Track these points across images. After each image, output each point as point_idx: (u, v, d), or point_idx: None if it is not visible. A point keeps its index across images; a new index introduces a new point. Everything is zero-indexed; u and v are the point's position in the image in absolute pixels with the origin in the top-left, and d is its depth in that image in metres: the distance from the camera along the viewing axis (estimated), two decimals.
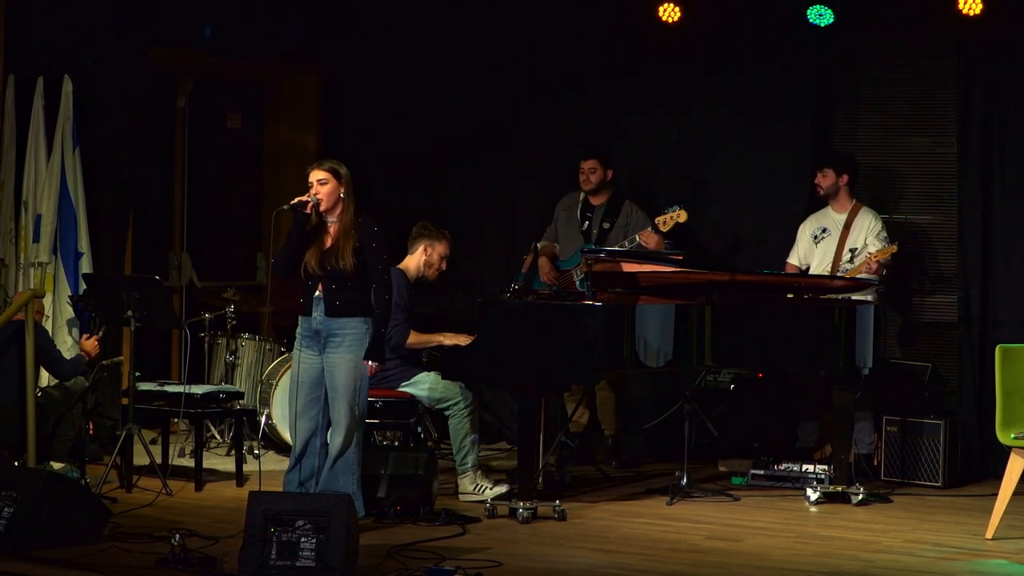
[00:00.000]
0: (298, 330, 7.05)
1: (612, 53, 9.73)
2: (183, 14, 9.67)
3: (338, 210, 6.94)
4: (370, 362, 6.90)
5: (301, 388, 7.00)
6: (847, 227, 8.62)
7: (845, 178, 8.66)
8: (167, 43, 9.76)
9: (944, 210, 9.08)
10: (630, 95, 9.78)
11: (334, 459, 6.95)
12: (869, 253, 8.41)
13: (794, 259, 8.82)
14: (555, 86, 9.97)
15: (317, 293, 6.94)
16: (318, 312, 6.93)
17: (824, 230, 8.71)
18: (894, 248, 8.36)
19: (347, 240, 6.89)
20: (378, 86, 10.49)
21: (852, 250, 8.58)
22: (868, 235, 8.58)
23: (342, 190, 6.93)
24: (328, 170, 6.93)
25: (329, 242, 6.94)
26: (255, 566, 5.92)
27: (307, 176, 6.98)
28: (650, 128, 9.76)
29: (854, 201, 8.69)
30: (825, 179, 8.66)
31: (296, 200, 6.94)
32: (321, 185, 6.91)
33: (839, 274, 8.48)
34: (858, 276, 8.31)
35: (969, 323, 8.89)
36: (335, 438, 6.96)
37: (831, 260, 8.61)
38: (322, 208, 6.92)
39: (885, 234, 8.58)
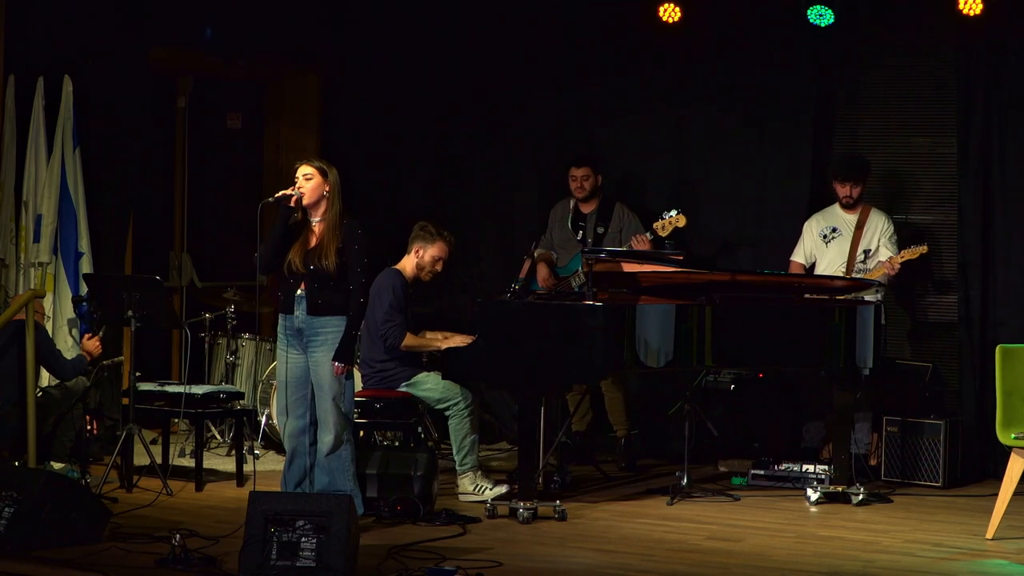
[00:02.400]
0: (279, 328, 7.09)
1: (612, 53, 9.73)
2: (183, 14, 9.65)
3: (322, 208, 6.98)
4: (337, 363, 6.91)
5: (288, 387, 7.04)
6: (860, 227, 8.62)
7: (864, 185, 8.68)
8: (167, 43, 9.76)
9: (944, 210, 9.08)
10: (630, 95, 9.78)
11: (325, 457, 6.98)
12: (891, 255, 8.38)
13: (799, 257, 8.81)
14: (555, 86, 9.96)
15: (299, 292, 6.97)
16: (300, 311, 6.97)
17: (834, 229, 8.70)
18: (924, 249, 8.35)
19: (332, 240, 6.93)
20: (378, 86, 10.48)
21: (866, 251, 8.59)
22: (881, 237, 8.59)
23: (327, 188, 6.97)
24: (315, 167, 7.01)
25: (314, 241, 6.99)
26: (255, 566, 5.92)
27: (294, 171, 7.04)
28: (650, 128, 9.75)
29: (863, 202, 8.70)
30: (856, 189, 8.64)
31: (280, 193, 7.01)
32: (306, 180, 6.98)
33: (855, 274, 8.48)
34: (873, 278, 8.31)
35: (969, 323, 8.88)
36: (324, 436, 7.00)
37: (845, 260, 8.61)
38: (305, 202, 6.96)
39: (896, 236, 8.59)
